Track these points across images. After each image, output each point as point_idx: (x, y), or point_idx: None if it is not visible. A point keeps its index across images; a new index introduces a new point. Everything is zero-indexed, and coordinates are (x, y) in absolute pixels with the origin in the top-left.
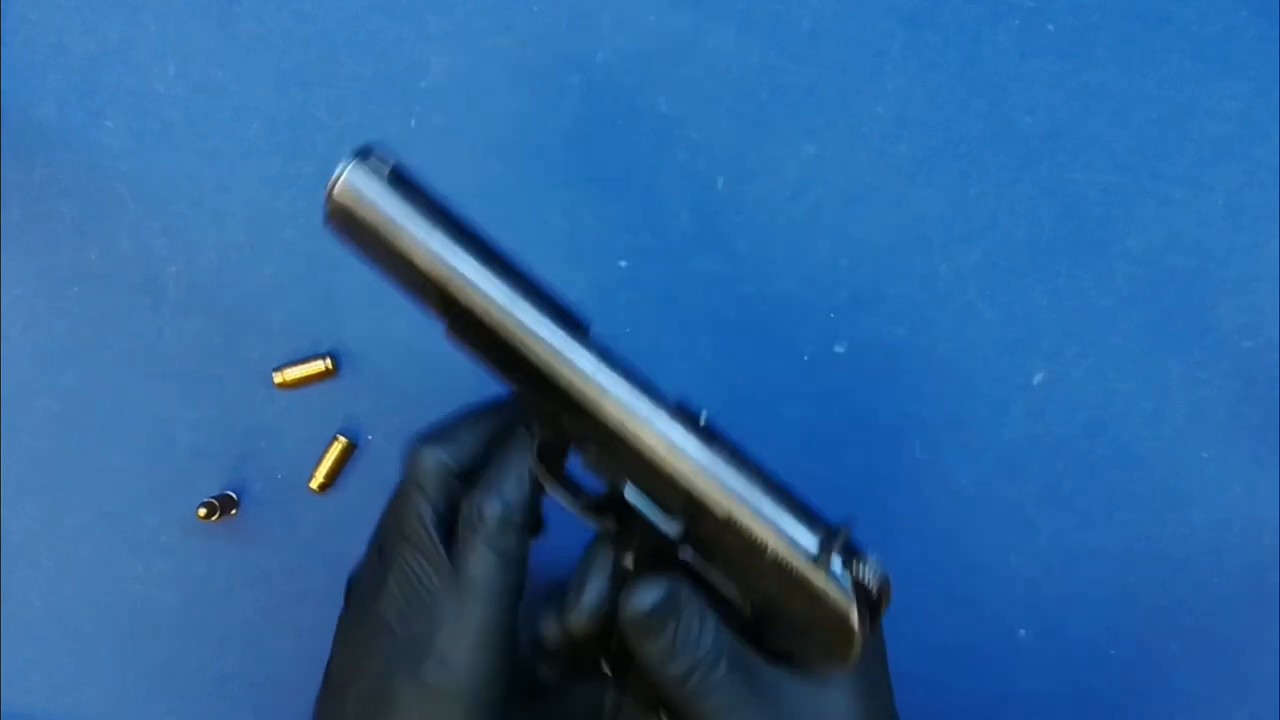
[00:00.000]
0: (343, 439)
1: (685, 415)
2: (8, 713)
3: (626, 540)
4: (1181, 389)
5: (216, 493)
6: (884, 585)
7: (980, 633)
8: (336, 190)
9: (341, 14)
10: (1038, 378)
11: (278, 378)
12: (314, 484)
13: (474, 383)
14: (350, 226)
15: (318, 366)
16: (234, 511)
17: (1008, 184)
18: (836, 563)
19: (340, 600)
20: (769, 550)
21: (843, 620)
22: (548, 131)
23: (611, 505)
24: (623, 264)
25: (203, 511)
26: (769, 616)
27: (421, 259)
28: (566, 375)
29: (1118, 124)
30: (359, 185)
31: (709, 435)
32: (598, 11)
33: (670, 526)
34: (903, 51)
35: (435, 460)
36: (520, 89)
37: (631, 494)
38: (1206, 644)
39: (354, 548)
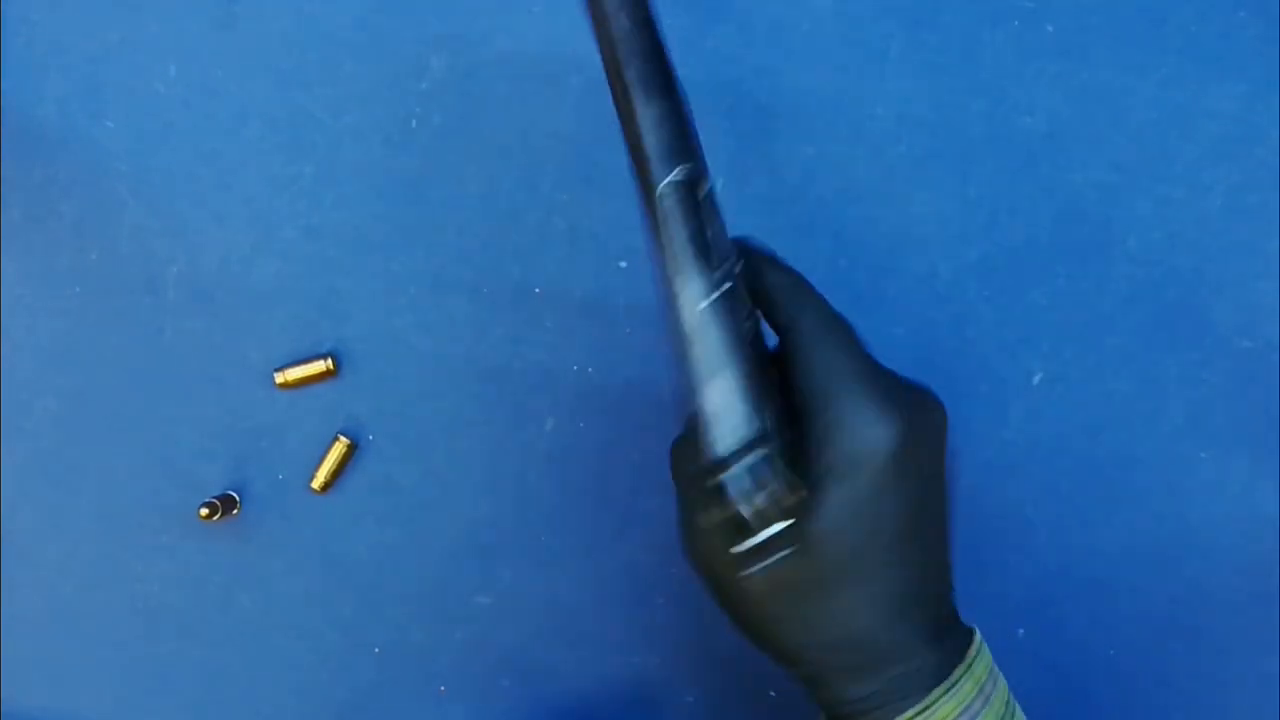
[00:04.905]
0: (344, 439)
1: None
2: (8, 712)
3: None
4: (1180, 389)
5: (218, 493)
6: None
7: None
8: None
9: (342, 15)
10: (1036, 378)
11: (279, 378)
12: (315, 484)
13: (475, 385)
14: None
15: (319, 367)
16: (235, 511)
17: (1007, 185)
18: None
19: (336, 603)
20: None
21: None
22: (547, 133)
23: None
24: (623, 264)
25: (204, 511)
26: None
27: None
28: None
29: (1117, 125)
30: None
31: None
32: None
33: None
34: (902, 52)
35: None
36: (520, 90)
37: None
38: (1205, 643)
39: (355, 547)
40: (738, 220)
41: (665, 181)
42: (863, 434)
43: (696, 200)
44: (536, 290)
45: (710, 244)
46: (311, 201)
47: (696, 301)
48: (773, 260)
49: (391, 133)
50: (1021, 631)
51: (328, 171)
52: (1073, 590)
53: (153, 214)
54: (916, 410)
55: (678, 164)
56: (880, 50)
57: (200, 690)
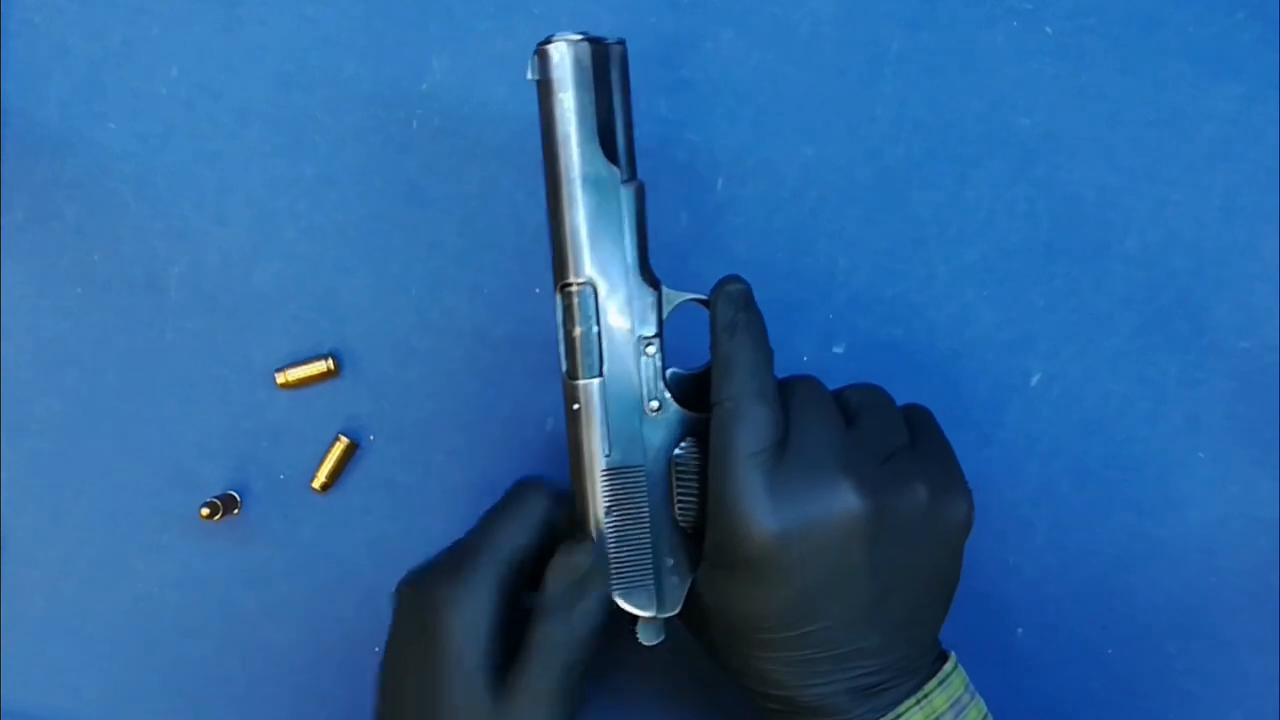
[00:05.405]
0: (344, 439)
1: None
2: (8, 711)
3: None
4: (1178, 389)
5: (219, 492)
6: None
7: (977, 631)
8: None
9: (343, 17)
10: (1035, 378)
11: (280, 378)
12: (316, 484)
13: (475, 385)
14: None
15: (320, 367)
16: (236, 511)
17: (1005, 186)
18: None
19: (336, 603)
20: None
21: None
22: None
23: None
24: None
25: (205, 511)
26: None
27: None
28: None
29: (1115, 126)
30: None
31: None
32: (598, 15)
33: None
34: (900, 54)
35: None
36: (520, 92)
37: None
38: (1203, 643)
39: (355, 547)
40: (737, 222)
41: (562, 284)
42: (734, 532)
43: (594, 307)
44: (536, 290)
45: (600, 349)
46: (312, 202)
47: (597, 460)
48: (728, 329)
49: (392, 134)
50: (1020, 631)
51: (329, 173)
52: (1071, 590)
53: (155, 215)
54: (825, 508)
55: (575, 275)
56: (879, 52)
57: (200, 690)
